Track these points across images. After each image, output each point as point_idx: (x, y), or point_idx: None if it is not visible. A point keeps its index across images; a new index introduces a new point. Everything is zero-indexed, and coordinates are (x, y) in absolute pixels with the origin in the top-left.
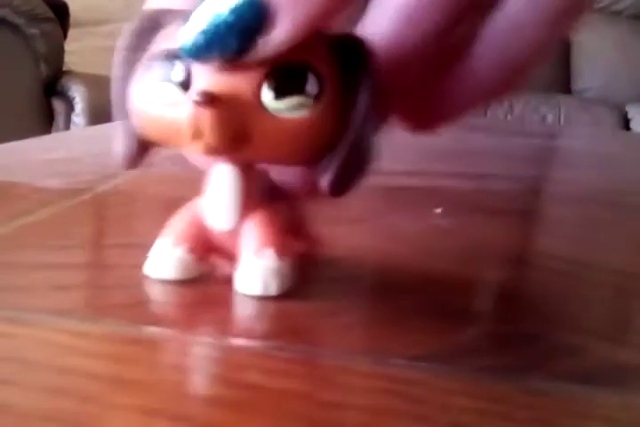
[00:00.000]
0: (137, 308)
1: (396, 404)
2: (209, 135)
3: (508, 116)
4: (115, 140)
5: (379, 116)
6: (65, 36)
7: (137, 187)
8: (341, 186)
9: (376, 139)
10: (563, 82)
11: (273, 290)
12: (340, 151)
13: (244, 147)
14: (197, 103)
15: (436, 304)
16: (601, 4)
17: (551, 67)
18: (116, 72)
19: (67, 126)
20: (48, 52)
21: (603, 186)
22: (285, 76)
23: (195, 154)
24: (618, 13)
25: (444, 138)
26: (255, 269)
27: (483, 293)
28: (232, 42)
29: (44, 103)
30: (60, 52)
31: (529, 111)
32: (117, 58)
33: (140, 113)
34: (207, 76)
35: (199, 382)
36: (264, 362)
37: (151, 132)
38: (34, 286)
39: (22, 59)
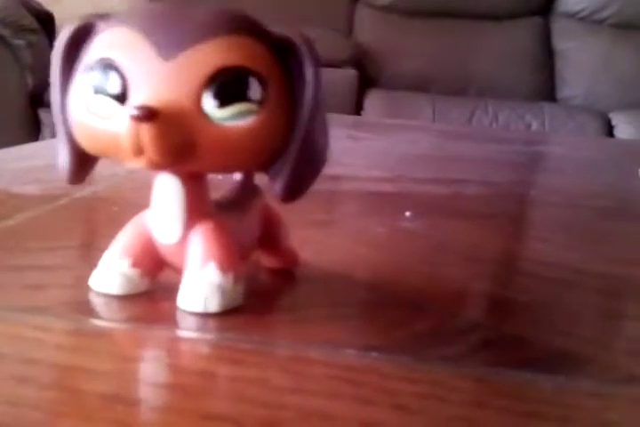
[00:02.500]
0: (104, 306)
1: (346, 389)
2: (150, 151)
3: (494, 125)
4: (57, 153)
5: (325, 115)
6: (51, 46)
7: (115, 193)
8: (294, 191)
9: (325, 139)
10: (547, 90)
11: (214, 307)
12: (289, 156)
13: (188, 159)
14: (136, 118)
15: (394, 300)
16: (583, 13)
17: (536, 75)
18: (52, 80)
19: (53, 137)
20: (34, 63)
21: (580, 190)
22: (226, 83)
23: (137, 169)
24: (600, 22)
25: (426, 145)
26: (196, 286)
27: (443, 290)
28: None
29: (30, 114)
30: (45, 63)
31: (514, 119)
32: (53, 65)
33: (78, 126)
34: (144, 88)
35: (156, 370)
36: (220, 352)
37: (90, 147)
38: (8, 286)
39: (8, 70)
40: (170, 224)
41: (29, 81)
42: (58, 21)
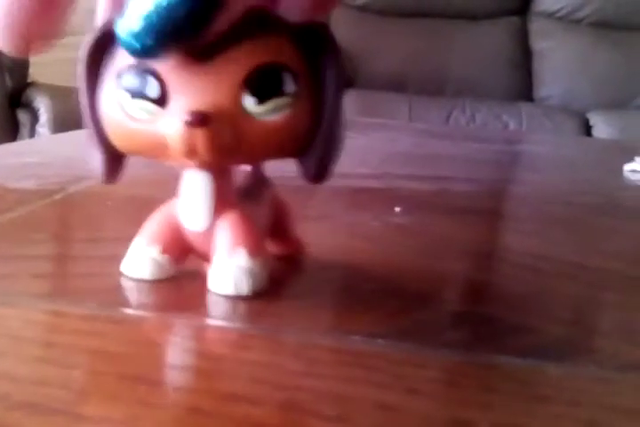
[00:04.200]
0: (113, 293)
1: (356, 373)
2: (204, 153)
3: (471, 124)
4: (89, 154)
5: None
6: None
7: (108, 188)
8: (324, 173)
9: (343, 124)
10: (524, 90)
11: (244, 290)
12: (318, 141)
13: (236, 155)
14: (190, 124)
15: (395, 290)
16: (561, 13)
17: (513, 75)
18: (80, 84)
19: (31, 137)
20: (12, 64)
21: (560, 187)
22: (263, 81)
23: (182, 167)
24: (578, 22)
25: (406, 144)
26: (227, 270)
27: (440, 280)
28: (183, 23)
29: (8, 114)
30: (24, 64)
31: (491, 119)
32: (80, 69)
33: (115, 129)
34: (184, 91)
35: (174, 353)
36: (234, 338)
37: (127, 148)
38: (16, 274)
39: None
40: (198, 213)
41: (8, 82)
42: None
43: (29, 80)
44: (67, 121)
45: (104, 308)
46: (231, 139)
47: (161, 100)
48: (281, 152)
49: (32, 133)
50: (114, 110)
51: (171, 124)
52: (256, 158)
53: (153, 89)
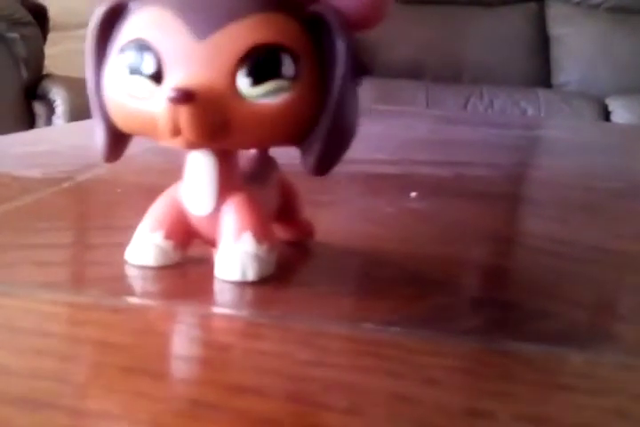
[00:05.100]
0: (117, 281)
1: (369, 362)
2: (187, 132)
3: (489, 111)
4: (94, 132)
5: (356, 89)
6: (44, 39)
7: (117, 176)
8: (326, 165)
9: (355, 113)
10: (542, 76)
11: (251, 276)
12: (321, 130)
13: (224, 137)
14: (173, 100)
15: (410, 276)
16: None
17: (531, 61)
18: (87, 61)
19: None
20: (28, 56)
21: (580, 172)
22: (260, 61)
23: (172, 147)
24: (596, 6)
25: (423, 130)
26: (233, 255)
27: (457, 266)
28: None
29: (24, 106)
30: (39, 56)
31: (509, 105)
32: (88, 44)
33: (114, 106)
34: (179, 68)
35: (179, 344)
36: (240, 327)
37: (126, 126)
38: (19, 263)
39: (2, 63)
40: (202, 197)
41: (23, 74)
42: (51, 15)
43: (45, 72)
44: (83, 113)
45: (107, 297)
46: (218, 119)
47: (157, 77)
48: (276, 138)
49: (48, 125)
50: (115, 87)
51: (160, 102)
52: (248, 143)
53: (149, 65)
